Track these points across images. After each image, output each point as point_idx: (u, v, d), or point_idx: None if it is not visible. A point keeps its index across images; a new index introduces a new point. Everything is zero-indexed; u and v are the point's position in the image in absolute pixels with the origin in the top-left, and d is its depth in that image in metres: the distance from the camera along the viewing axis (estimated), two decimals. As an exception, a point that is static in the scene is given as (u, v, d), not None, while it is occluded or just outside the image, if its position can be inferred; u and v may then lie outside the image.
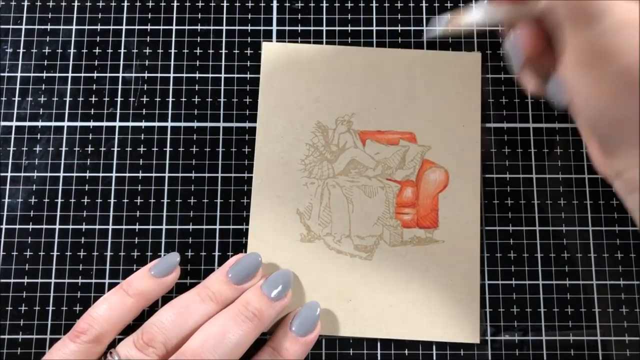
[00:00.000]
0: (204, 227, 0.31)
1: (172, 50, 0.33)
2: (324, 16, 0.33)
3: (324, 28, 0.33)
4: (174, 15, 0.33)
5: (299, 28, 0.33)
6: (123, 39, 0.33)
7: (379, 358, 0.30)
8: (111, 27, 0.33)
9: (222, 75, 0.32)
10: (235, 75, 0.32)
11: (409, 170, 0.31)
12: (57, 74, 0.32)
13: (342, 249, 0.30)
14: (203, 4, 0.33)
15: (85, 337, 0.26)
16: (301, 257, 0.30)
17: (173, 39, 0.33)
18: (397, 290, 0.30)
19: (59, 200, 0.31)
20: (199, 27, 0.33)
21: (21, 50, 0.33)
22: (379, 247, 0.30)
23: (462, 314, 0.30)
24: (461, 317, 0.30)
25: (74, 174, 0.31)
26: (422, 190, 0.31)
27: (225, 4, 0.33)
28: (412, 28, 0.33)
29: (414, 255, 0.30)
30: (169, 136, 0.32)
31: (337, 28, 0.33)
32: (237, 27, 0.33)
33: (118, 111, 0.32)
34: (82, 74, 0.32)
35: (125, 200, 0.31)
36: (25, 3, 0.33)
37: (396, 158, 0.31)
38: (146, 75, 0.32)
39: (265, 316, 0.27)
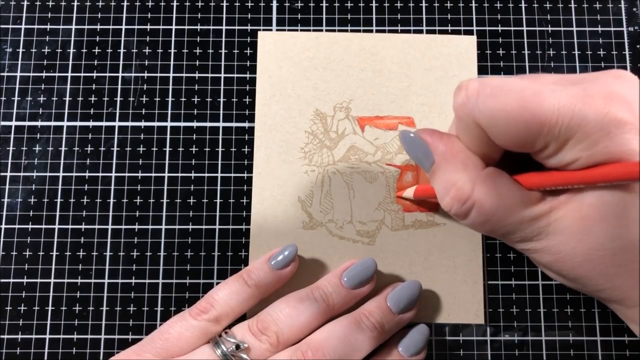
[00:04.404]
0: (204, 227, 0.31)
1: (172, 50, 0.33)
2: (324, 16, 0.33)
3: (324, 28, 0.33)
4: (174, 15, 0.33)
5: (299, 28, 0.33)
6: (123, 38, 0.33)
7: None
8: (111, 27, 0.33)
9: (222, 75, 0.32)
10: (235, 75, 0.32)
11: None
12: (57, 74, 0.32)
13: (344, 235, 0.30)
14: (203, 4, 0.33)
15: (206, 315, 0.27)
16: (304, 245, 0.30)
17: (173, 38, 0.33)
18: (401, 274, 0.30)
19: (58, 200, 0.31)
20: (198, 27, 0.33)
21: (21, 50, 0.33)
22: (380, 232, 0.30)
23: (466, 295, 0.30)
24: (465, 299, 0.30)
25: (74, 174, 0.31)
26: (422, 174, 0.31)
27: (225, 4, 0.33)
28: (412, 28, 0.33)
29: (416, 238, 0.30)
30: (168, 136, 0.32)
31: (337, 28, 0.33)
32: (236, 27, 0.33)
33: (117, 111, 0.32)
34: (82, 74, 0.32)
35: (125, 200, 0.31)
36: (25, 3, 0.33)
37: (395, 143, 0.31)
38: (146, 75, 0.32)
39: (387, 329, 0.27)
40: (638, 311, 0.22)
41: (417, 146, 0.25)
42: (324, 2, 0.33)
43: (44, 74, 0.32)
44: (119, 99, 0.32)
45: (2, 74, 0.32)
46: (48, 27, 0.33)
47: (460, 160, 0.24)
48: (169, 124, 0.32)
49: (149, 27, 0.33)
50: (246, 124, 0.32)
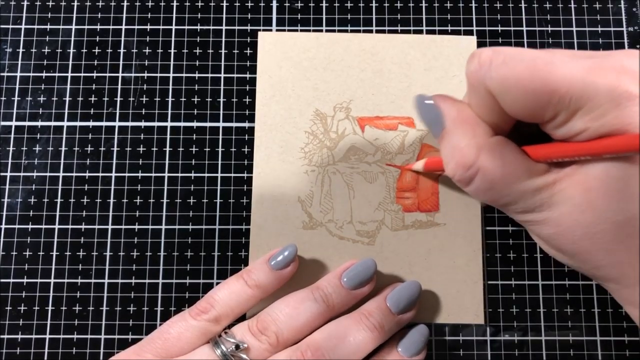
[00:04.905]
0: (204, 227, 0.31)
1: (172, 50, 0.33)
2: (324, 16, 0.33)
3: (324, 28, 0.33)
4: (174, 15, 0.33)
5: (299, 28, 0.33)
6: (122, 38, 0.33)
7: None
8: (111, 27, 0.33)
9: (222, 75, 0.32)
10: (235, 75, 0.32)
11: (408, 154, 0.31)
12: (57, 74, 0.32)
13: (344, 235, 0.30)
14: (203, 4, 0.33)
15: (206, 315, 0.27)
16: (304, 245, 0.30)
17: (172, 38, 0.33)
18: (400, 274, 0.30)
19: (58, 200, 0.31)
20: (198, 27, 0.33)
21: (21, 50, 0.33)
22: (380, 232, 0.30)
23: (466, 296, 0.30)
24: (465, 299, 0.30)
25: (74, 174, 0.31)
26: (422, 176, 0.31)
27: (225, 4, 0.33)
28: (411, 28, 0.33)
29: (416, 238, 0.30)
30: (168, 136, 0.32)
31: (336, 28, 0.33)
32: (236, 27, 0.33)
33: (117, 111, 0.32)
34: (82, 74, 0.32)
35: (125, 200, 0.31)
36: (25, 3, 0.33)
37: (395, 143, 0.31)
38: (146, 75, 0.32)
39: (387, 329, 0.27)
40: (636, 290, 0.22)
41: (430, 111, 0.25)
42: (324, 2, 0.33)
43: (44, 74, 0.32)
44: (119, 99, 0.32)
45: (2, 74, 0.32)
46: (48, 27, 0.33)
47: (469, 126, 0.24)
48: (169, 124, 0.32)
49: (149, 27, 0.33)
50: (246, 124, 0.32)
